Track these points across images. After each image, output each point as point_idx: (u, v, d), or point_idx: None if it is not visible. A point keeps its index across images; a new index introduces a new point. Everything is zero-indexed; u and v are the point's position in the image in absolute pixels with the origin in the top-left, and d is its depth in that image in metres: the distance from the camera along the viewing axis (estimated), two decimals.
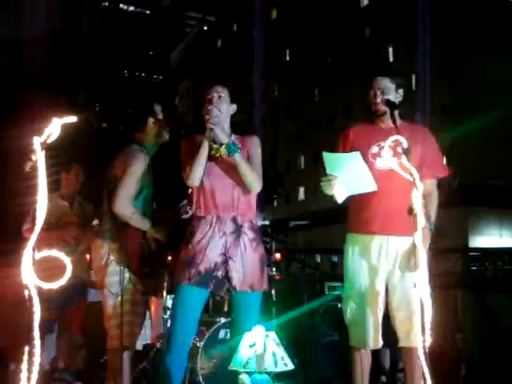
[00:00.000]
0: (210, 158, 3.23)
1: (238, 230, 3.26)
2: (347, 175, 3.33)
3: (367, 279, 3.41)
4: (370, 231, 3.43)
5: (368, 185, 3.33)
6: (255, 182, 3.25)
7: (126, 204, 3.53)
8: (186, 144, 3.40)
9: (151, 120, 3.81)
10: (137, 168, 3.60)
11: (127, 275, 3.63)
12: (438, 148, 3.50)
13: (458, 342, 5.25)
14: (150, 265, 3.74)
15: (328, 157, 3.37)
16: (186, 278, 3.20)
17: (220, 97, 3.31)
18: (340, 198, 3.40)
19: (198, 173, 3.22)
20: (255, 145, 3.39)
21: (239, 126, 3.47)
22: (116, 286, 3.62)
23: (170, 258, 5.27)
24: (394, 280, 3.40)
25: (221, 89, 3.34)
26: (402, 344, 3.38)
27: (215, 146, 3.23)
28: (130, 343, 3.68)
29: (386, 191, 3.37)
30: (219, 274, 3.23)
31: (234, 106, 3.40)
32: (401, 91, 3.51)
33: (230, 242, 3.24)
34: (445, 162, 3.58)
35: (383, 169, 3.39)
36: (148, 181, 3.71)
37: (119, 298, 3.60)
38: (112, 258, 3.65)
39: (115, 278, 3.62)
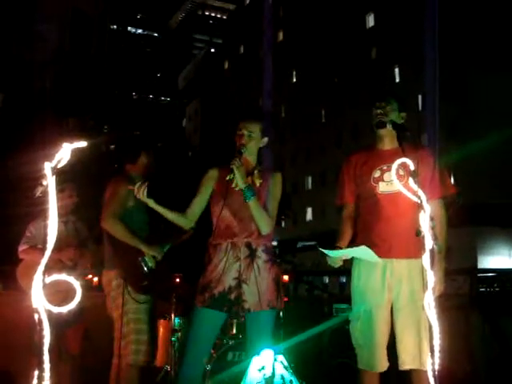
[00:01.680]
0: (231, 190, 3.38)
1: (251, 255, 3.39)
2: (350, 253, 3.45)
3: (373, 302, 3.40)
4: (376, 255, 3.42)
5: (371, 257, 3.36)
6: (265, 227, 3.40)
7: (111, 219, 3.85)
8: (203, 180, 3.56)
9: (144, 156, 4.13)
10: (119, 190, 3.91)
11: (127, 296, 3.82)
12: (438, 169, 3.47)
13: (467, 364, 5.21)
14: (150, 281, 3.88)
15: (326, 251, 3.42)
16: (201, 301, 3.35)
17: (250, 136, 3.46)
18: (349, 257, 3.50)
19: (179, 223, 3.51)
20: (277, 183, 3.55)
21: None
22: (118, 309, 3.86)
23: (178, 280, 5.29)
24: (399, 302, 3.38)
25: (253, 127, 3.48)
26: (407, 366, 3.34)
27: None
28: (137, 360, 3.82)
29: (390, 215, 3.37)
30: (232, 296, 3.35)
31: (265, 140, 3.55)
32: (403, 114, 3.53)
33: (244, 266, 3.36)
34: (448, 182, 3.54)
35: (386, 192, 3.40)
36: (137, 205, 3.90)
37: (124, 318, 3.83)
38: (114, 283, 3.89)
39: (114, 304, 3.89)
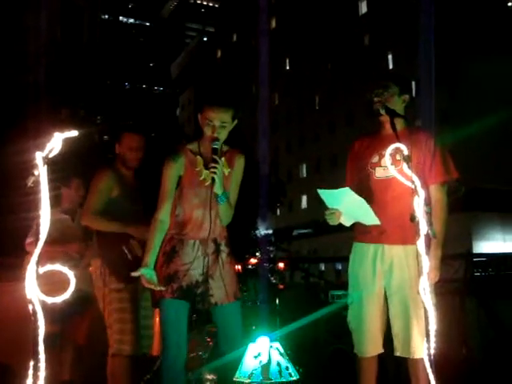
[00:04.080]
0: (201, 182, 3.24)
1: (217, 250, 3.34)
2: (348, 207, 3.35)
3: (365, 288, 3.41)
4: (368, 240, 3.43)
5: (369, 217, 3.31)
6: (227, 219, 3.35)
7: (89, 216, 3.90)
8: (168, 168, 3.31)
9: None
10: (98, 184, 3.94)
11: (111, 286, 3.82)
12: (440, 153, 3.41)
13: (463, 349, 5.24)
14: (134, 269, 3.82)
15: (324, 193, 3.37)
16: (169, 292, 3.25)
17: (223, 126, 3.22)
18: (347, 223, 3.45)
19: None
20: (240, 167, 3.40)
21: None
22: (100, 301, 3.89)
23: None
24: (391, 288, 3.38)
25: (226, 116, 3.22)
26: (398, 353, 3.35)
27: (205, 171, 3.24)
28: (121, 350, 3.79)
29: (384, 200, 3.36)
30: (199, 291, 3.28)
31: (235, 122, 3.31)
32: (405, 97, 3.50)
33: (211, 261, 3.31)
34: (450, 166, 3.48)
35: (381, 177, 3.39)
36: (122, 194, 3.95)
37: (108, 308, 3.83)
38: (97, 273, 3.88)
39: (99, 293, 3.89)
